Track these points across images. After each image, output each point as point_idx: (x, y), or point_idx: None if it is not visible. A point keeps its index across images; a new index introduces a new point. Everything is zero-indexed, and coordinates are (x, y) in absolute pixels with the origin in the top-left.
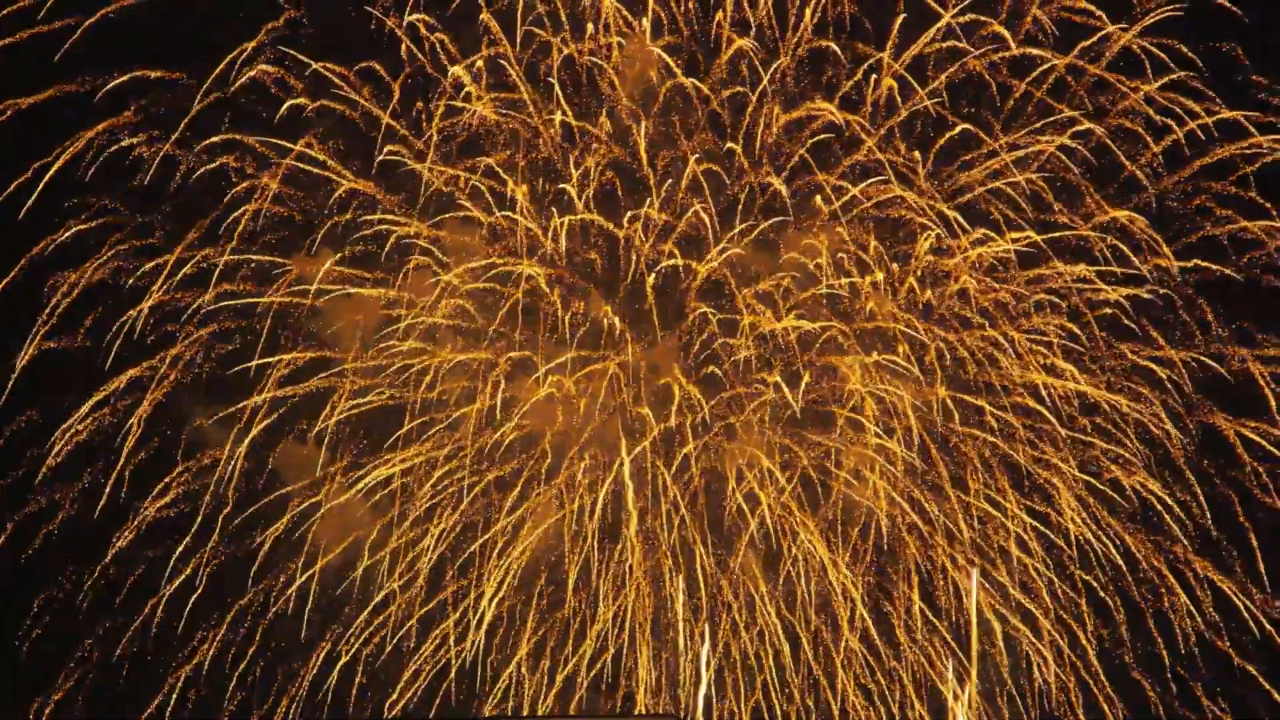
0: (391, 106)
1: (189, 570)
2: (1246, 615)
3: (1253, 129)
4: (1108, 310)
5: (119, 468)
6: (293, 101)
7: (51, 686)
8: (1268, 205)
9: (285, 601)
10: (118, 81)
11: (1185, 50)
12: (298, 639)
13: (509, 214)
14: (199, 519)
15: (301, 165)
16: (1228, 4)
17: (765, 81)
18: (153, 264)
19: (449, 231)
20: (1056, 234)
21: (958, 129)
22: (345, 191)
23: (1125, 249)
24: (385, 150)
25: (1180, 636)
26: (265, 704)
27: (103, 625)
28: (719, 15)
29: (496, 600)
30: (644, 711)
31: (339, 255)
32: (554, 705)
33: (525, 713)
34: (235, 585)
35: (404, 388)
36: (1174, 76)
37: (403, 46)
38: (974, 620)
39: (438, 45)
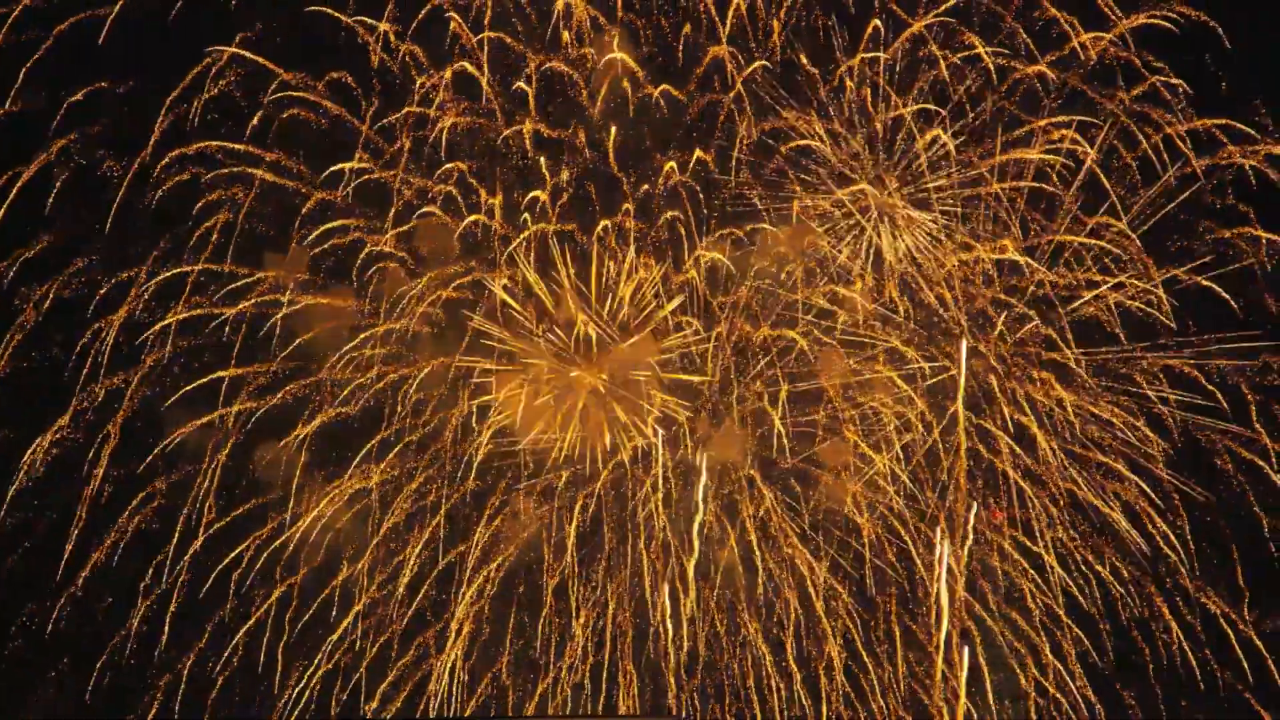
0: (366, 117)
1: (167, 582)
2: (1226, 626)
3: (1225, 138)
4: (1087, 319)
5: (96, 481)
6: (262, 113)
7: (33, 698)
8: (1246, 209)
9: (265, 611)
10: (86, 91)
11: (1153, 60)
12: (278, 648)
13: (481, 218)
14: (177, 531)
15: (271, 176)
16: (1195, 14)
17: (739, 87)
18: (125, 275)
19: (420, 241)
20: (1035, 241)
21: (929, 136)
22: (316, 202)
23: (1105, 258)
24: (357, 159)
25: (1162, 646)
26: (248, 714)
27: (82, 638)
28: (686, 27)
29: (475, 609)
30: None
31: (310, 265)
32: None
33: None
34: (215, 596)
35: (379, 395)
36: (1147, 86)
37: (373, 57)
38: (943, 622)
39: (408, 56)
